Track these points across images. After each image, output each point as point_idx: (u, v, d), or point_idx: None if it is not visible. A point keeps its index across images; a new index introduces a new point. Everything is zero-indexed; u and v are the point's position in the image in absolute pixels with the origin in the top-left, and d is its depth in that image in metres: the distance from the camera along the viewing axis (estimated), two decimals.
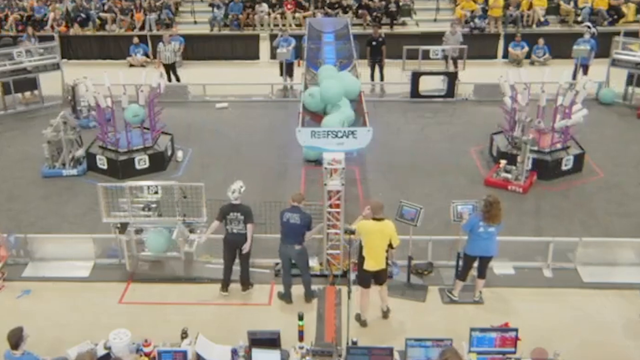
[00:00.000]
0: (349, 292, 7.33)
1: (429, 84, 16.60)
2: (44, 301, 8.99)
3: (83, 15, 21.42)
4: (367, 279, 8.22)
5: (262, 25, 21.49)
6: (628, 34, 17.18)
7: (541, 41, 19.13)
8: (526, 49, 19.27)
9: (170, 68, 17.56)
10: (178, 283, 9.27)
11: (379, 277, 8.26)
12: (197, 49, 20.32)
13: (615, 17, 20.77)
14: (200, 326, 7.65)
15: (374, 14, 21.13)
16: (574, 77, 16.16)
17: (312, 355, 6.84)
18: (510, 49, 19.50)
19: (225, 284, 8.98)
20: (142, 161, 12.52)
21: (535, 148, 12.16)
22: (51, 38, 18.31)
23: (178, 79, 17.68)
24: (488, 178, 12.01)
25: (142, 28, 21.33)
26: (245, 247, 8.69)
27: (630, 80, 15.93)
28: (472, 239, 8.44)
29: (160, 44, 17.48)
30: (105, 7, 21.76)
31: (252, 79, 17.86)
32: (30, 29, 19.70)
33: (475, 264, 8.63)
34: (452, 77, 16.49)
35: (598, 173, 12.51)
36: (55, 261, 9.71)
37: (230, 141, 14.26)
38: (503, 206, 8.33)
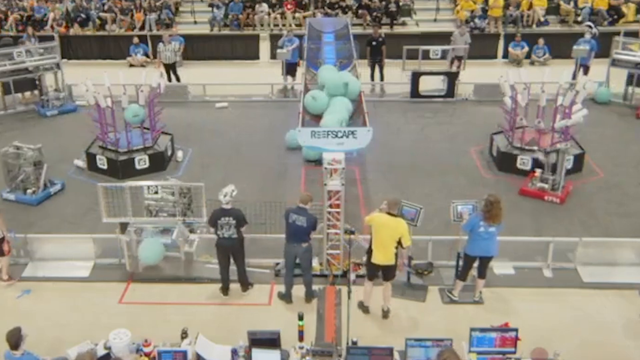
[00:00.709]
0: (349, 292, 7.34)
1: (429, 84, 16.60)
2: (44, 301, 8.99)
3: (83, 15, 21.44)
4: (373, 271, 8.33)
5: (262, 25, 21.49)
6: (628, 34, 17.19)
7: (541, 41, 19.13)
8: (526, 49, 19.27)
9: (170, 68, 17.56)
10: (178, 283, 9.27)
11: (387, 273, 8.31)
12: (197, 49, 20.33)
13: (615, 17, 20.78)
14: (200, 326, 7.66)
15: (374, 14, 21.14)
16: (574, 77, 16.16)
17: (312, 355, 6.84)
18: (510, 49, 19.50)
19: (225, 287, 8.98)
20: (142, 161, 12.52)
21: (535, 148, 12.16)
22: (51, 38, 18.30)
23: (178, 79, 17.68)
24: (523, 188, 11.65)
25: (142, 28, 21.35)
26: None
27: (630, 80, 15.93)
28: (472, 239, 8.44)
29: (161, 44, 17.48)
30: (105, 7, 21.78)
31: (252, 79, 17.86)
32: (30, 29, 19.71)
33: (476, 264, 8.64)
34: (452, 77, 16.49)
35: (598, 173, 12.51)
36: (55, 261, 9.72)
37: (230, 141, 14.26)
38: (503, 206, 8.33)
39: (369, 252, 8.27)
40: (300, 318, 7.14)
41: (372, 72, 17.44)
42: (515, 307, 8.65)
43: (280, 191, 11.23)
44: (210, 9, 21.82)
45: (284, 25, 20.96)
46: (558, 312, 8.59)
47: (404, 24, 21.64)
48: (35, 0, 22.25)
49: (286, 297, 8.84)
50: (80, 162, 12.85)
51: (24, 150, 11.53)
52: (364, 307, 8.55)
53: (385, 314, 8.51)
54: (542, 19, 20.94)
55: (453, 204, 8.99)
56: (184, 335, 7.25)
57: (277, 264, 9.37)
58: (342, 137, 8.83)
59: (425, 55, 16.36)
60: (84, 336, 7.35)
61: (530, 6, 21.05)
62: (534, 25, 20.96)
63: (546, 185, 11.47)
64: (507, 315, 8.25)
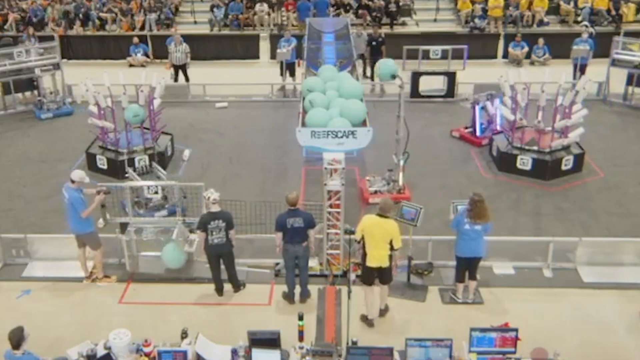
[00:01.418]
0: (349, 292, 7.34)
1: (429, 84, 16.60)
2: (44, 301, 8.99)
3: (82, 15, 21.45)
4: (370, 276, 8.22)
5: (262, 25, 21.50)
6: (628, 34, 17.18)
7: (541, 41, 19.14)
8: (526, 49, 19.28)
9: (180, 69, 17.57)
10: (178, 283, 9.27)
11: (383, 276, 8.23)
12: (197, 49, 20.28)
13: (615, 17, 20.78)
14: (200, 326, 7.66)
15: (374, 14, 21.14)
16: (574, 77, 16.16)
17: (312, 355, 6.84)
18: (510, 49, 19.50)
19: (219, 289, 8.99)
20: (142, 161, 12.51)
21: (535, 148, 12.18)
22: (51, 38, 18.31)
23: (187, 79, 17.66)
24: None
25: (142, 28, 21.36)
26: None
27: (630, 80, 15.93)
28: (459, 239, 8.47)
29: (172, 45, 17.45)
30: (105, 9, 21.78)
31: (252, 79, 17.87)
32: (30, 29, 19.71)
33: None
34: (452, 77, 16.49)
35: (598, 173, 12.51)
36: (55, 261, 9.70)
37: (230, 141, 14.26)
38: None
39: (364, 257, 8.16)
40: (300, 318, 7.14)
41: (372, 72, 17.43)
42: (515, 307, 8.64)
43: (280, 191, 11.19)
44: (210, 9, 21.81)
45: (282, 22, 20.97)
46: (558, 312, 8.59)
47: (404, 24, 21.65)
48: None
49: (290, 296, 8.83)
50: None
51: None
52: (368, 321, 8.31)
53: (382, 312, 8.47)
54: (544, 19, 20.96)
55: (453, 204, 8.99)
56: (184, 335, 7.25)
57: (277, 264, 9.38)
58: (342, 137, 8.84)
59: (425, 55, 16.36)
60: (84, 336, 7.35)
61: (530, 6, 21.07)
62: (534, 25, 20.97)
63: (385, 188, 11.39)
64: (507, 315, 8.26)
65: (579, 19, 20.87)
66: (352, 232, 7.72)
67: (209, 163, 13.17)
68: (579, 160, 12.43)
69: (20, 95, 16.59)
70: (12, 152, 13.97)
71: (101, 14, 21.63)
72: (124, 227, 9.42)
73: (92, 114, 12.53)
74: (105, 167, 12.54)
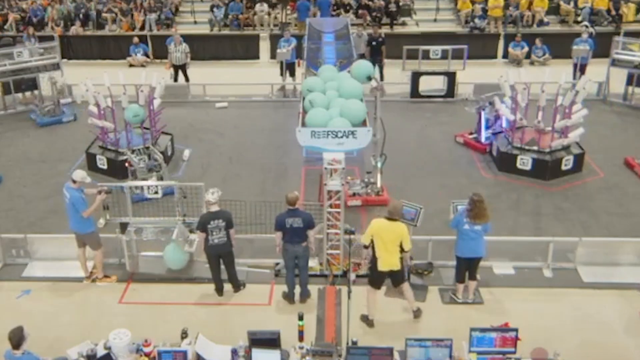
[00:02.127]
0: (349, 292, 7.34)
1: (429, 84, 16.59)
2: (44, 301, 8.99)
3: (82, 15, 21.46)
4: (380, 279, 8.21)
5: (262, 25, 21.50)
6: (628, 34, 17.18)
7: (538, 41, 19.11)
8: (526, 49, 19.27)
9: (180, 69, 17.57)
10: (178, 283, 9.27)
11: (395, 278, 8.22)
12: (197, 49, 20.29)
13: (615, 17, 20.78)
14: (200, 326, 7.66)
15: (374, 14, 21.15)
16: (574, 77, 16.16)
17: (312, 355, 6.84)
18: (510, 49, 19.50)
19: (219, 289, 8.99)
20: (142, 161, 12.49)
21: (535, 148, 12.17)
22: (51, 38, 18.31)
23: (187, 79, 17.66)
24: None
25: (142, 28, 21.36)
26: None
27: (630, 80, 15.93)
28: (459, 239, 8.47)
29: (172, 45, 17.45)
30: (105, 9, 21.79)
31: (252, 79, 17.87)
32: (30, 29, 19.71)
33: None
34: (452, 77, 16.49)
35: (598, 173, 12.51)
36: (55, 261, 9.70)
37: (230, 141, 14.26)
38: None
39: (373, 261, 8.14)
40: (300, 318, 7.14)
41: None
42: (516, 307, 8.64)
43: (280, 191, 11.20)
44: (210, 9, 21.81)
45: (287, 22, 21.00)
46: (558, 312, 8.59)
47: (404, 24, 21.66)
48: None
49: (290, 296, 8.83)
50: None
51: None
52: (368, 321, 8.31)
53: (417, 314, 8.38)
54: (544, 19, 20.96)
55: (453, 204, 9.00)
56: (184, 335, 7.25)
57: (277, 264, 9.38)
58: (342, 137, 8.84)
59: (425, 55, 16.36)
60: (84, 336, 7.35)
61: (530, 6, 21.07)
62: (534, 25, 20.98)
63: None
64: (507, 315, 8.26)
65: (579, 19, 20.88)
66: (352, 232, 7.71)
67: (209, 163, 13.17)
68: (579, 160, 12.43)
69: (20, 95, 16.58)
70: (12, 152, 13.98)
71: (103, 14, 21.62)
72: (124, 227, 9.43)
73: (92, 114, 12.54)
74: (105, 167, 12.54)
